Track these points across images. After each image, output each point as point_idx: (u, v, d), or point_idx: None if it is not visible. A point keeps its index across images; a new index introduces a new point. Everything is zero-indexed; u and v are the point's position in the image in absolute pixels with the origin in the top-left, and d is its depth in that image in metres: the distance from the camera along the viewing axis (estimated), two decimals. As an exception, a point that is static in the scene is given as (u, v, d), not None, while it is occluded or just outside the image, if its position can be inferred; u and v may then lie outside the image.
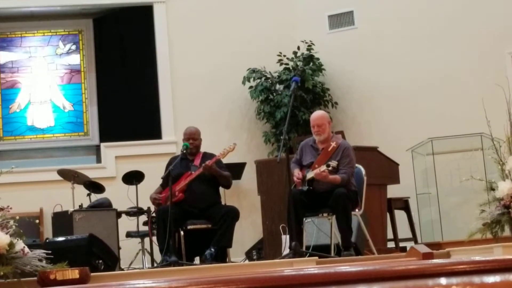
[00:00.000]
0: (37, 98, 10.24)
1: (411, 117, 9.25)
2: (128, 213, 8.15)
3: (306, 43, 9.68)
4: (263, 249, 8.17)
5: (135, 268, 7.93)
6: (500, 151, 5.52)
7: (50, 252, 4.64)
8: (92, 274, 4.53)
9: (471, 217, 5.69)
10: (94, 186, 8.24)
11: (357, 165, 6.73)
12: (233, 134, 9.71)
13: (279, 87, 9.74)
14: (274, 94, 9.68)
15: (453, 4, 9.26)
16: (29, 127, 10.18)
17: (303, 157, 6.58)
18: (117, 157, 9.68)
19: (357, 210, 6.45)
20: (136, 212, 8.09)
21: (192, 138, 7.05)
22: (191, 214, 6.85)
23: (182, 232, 6.79)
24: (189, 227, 6.83)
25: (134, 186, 8.18)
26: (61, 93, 10.31)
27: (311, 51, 9.68)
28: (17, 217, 4.63)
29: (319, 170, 6.17)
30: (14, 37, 10.32)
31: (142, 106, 10.04)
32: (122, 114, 10.05)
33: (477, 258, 2.18)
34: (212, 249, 6.65)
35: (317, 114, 6.63)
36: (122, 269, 7.43)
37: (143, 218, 8.11)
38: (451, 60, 9.16)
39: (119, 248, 7.71)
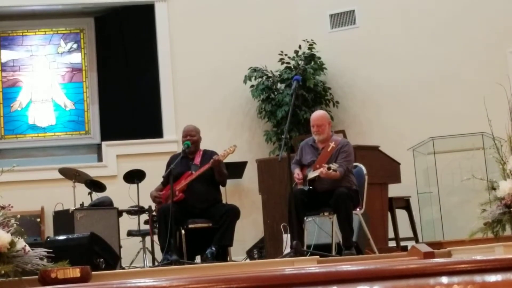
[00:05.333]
0: (39, 97, 10.24)
1: (413, 116, 9.25)
2: (129, 212, 8.15)
3: (308, 42, 9.67)
4: (264, 248, 8.17)
5: (136, 267, 7.94)
6: (502, 150, 5.53)
7: (51, 250, 4.64)
8: (93, 272, 4.54)
9: (472, 216, 5.69)
10: (95, 185, 8.24)
11: (358, 164, 6.73)
12: (234, 133, 9.71)
13: (280, 86, 9.73)
14: (276, 93, 9.68)
15: (455, 3, 9.25)
16: (30, 125, 10.18)
17: (303, 157, 6.58)
18: (118, 155, 9.68)
19: (358, 209, 6.45)
20: (137, 210, 8.08)
21: (190, 135, 7.05)
22: (192, 213, 6.84)
23: (183, 231, 6.80)
24: (190, 226, 6.83)
25: (135, 185, 8.17)
26: (62, 92, 10.31)
27: (313, 50, 9.67)
28: (18, 216, 4.64)
29: (323, 168, 6.14)
30: (15, 35, 10.32)
31: (143, 105, 10.04)
32: (124, 112, 10.06)
33: (479, 257, 2.18)
34: (213, 248, 6.65)
35: (318, 114, 6.64)
36: (123, 268, 7.43)
37: (144, 216, 8.12)
38: (452, 59, 9.16)
39: (120, 246, 7.71)
